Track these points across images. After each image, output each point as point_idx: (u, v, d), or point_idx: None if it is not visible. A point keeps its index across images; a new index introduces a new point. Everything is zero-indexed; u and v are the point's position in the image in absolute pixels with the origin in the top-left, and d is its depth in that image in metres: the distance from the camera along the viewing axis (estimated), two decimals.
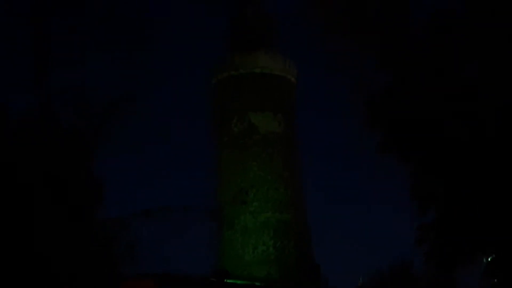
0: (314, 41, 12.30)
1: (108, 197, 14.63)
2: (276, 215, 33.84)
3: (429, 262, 12.72)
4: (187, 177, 75.19)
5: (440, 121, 10.78)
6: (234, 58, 35.96)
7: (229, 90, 35.89)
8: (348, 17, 11.70)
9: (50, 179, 13.90)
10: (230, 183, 34.04)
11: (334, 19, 11.76)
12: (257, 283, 28.36)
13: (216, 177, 35.58)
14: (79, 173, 14.48)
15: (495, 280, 12.31)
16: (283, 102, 35.95)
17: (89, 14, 14.86)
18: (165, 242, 15.12)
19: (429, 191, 11.90)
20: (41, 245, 13.52)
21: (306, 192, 36.23)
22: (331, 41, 11.90)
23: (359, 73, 11.67)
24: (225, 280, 27.47)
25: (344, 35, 11.69)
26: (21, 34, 14.48)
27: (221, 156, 35.47)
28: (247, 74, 35.54)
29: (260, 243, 33.23)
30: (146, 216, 14.30)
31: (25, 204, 13.74)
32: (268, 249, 33.20)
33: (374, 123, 11.28)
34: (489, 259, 12.07)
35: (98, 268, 14.48)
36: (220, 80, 36.33)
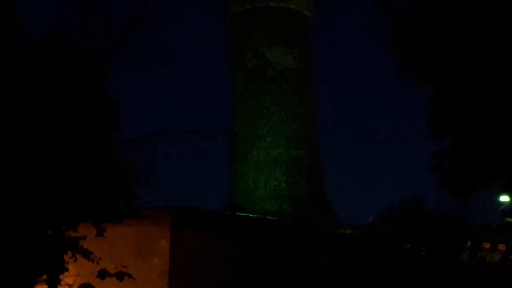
0: None
1: (123, 119, 14.67)
2: (289, 151, 33.86)
3: (443, 189, 12.80)
4: (203, 109, 75.04)
5: (466, 42, 10.57)
6: None
7: (244, 24, 35.43)
8: None
9: (67, 101, 13.92)
10: (244, 118, 34.02)
11: None
12: (268, 217, 28.63)
13: (231, 111, 35.57)
14: (95, 97, 14.49)
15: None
16: (299, 37, 35.47)
17: None
18: (181, 166, 15.16)
19: (446, 117, 11.84)
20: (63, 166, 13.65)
21: (320, 128, 36.21)
22: None
23: None
24: (237, 213, 27.77)
25: None
26: None
27: (236, 91, 35.32)
28: (262, 8, 35.00)
29: (272, 178, 33.37)
30: (160, 136, 14.31)
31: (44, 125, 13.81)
32: (280, 184, 33.35)
33: (397, 40, 11.10)
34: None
35: (115, 191, 14.64)
36: (235, 13, 35.83)
